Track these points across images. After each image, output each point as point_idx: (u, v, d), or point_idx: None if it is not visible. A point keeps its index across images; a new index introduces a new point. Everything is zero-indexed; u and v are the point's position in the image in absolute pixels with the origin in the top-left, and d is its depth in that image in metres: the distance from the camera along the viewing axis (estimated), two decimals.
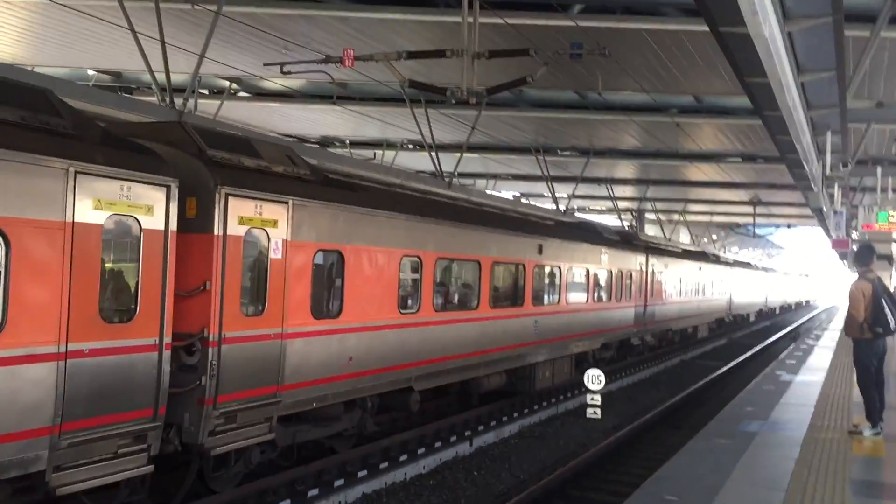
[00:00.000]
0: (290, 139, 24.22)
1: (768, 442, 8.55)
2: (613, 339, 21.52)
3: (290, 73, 12.86)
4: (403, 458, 12.81)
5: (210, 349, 8.45)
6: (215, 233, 8.52)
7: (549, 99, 21.71)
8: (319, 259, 10.26)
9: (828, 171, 12.72)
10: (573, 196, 36.80)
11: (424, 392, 14.22)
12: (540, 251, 16.48)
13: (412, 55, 12.02)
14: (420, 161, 28.92)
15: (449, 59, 12.07)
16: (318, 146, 26.68)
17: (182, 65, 19.05)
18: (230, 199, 8.68)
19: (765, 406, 10.94)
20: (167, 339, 7.92)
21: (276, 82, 20.63)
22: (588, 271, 19.30)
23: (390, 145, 27.54)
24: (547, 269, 17.14)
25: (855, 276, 9.94)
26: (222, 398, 8.63)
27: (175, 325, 8.24)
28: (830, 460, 7.81)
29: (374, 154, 28.20)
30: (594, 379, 17.23)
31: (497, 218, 15.19)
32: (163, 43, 13.28)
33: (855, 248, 13.56)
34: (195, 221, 8.51)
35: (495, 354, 14.84)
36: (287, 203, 9.50)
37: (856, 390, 10.65)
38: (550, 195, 28.47)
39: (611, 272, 21.02)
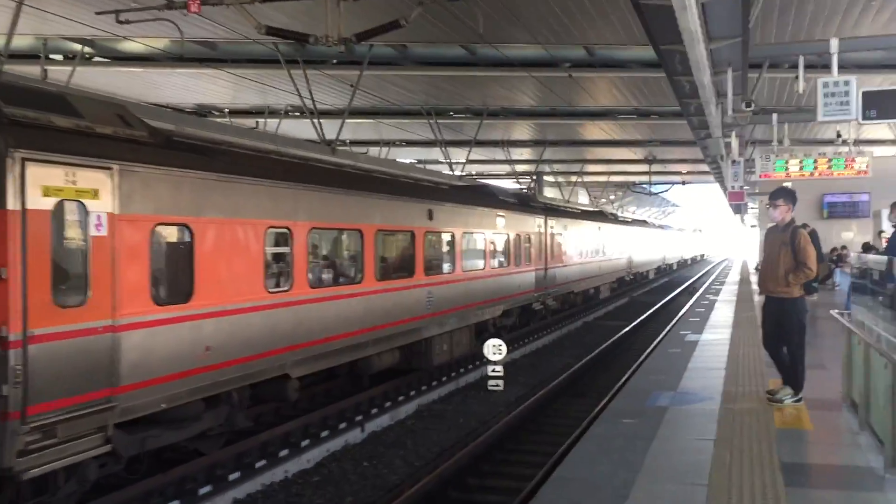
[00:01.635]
0: (164, 109, 22.10)
1: (681, 419, 7.40)
2: (514, 306, 20.42)
3: (126, 21, 11.01)
4: (284, 452, 11.34)
5: (11, 351, 6.75)
6: (9, 207, 6.79)
7: (436, 56, 20.20)
8: (161, 235, 8.60)
9: (729, 112, 11.74)
10: (469, 161, 35.67)
11: (308, 378, 12.75)
12: (430, 217, 15.11)
13: None
14: (307, 130, 27.09)
15: (312, 3, 10.46)
16: (192, 115, 24.56)
17: (23, 25, 16.82)
18: (28, 165, 6.95)
19: (672, 373, 9.87)
20: None
21: (138, 42, 18.53)
22: (484, 236, 18.05)
23: (273, 113, 25.59)
24: (439, 236, 15.78)
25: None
26: (34, 409, 6.96)
27: None
28: (753, 439, 6.71)
29: (257, 123, 26.22)
30: (494, 349, 16.11)
31: (380, 183, 13.71)
32: None
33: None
34: None
35: (385, 331, 13.43)
36: (111, 169, 7.80)
37: (763, 350, 9.76)
38: (446, 160, 27.08)
39: (508, 236, 19.85)
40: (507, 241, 19.80)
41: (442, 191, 16.39)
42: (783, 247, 8.22)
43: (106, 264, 7.71)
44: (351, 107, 25.64)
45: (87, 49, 18.90)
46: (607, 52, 20.23)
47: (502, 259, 19.39)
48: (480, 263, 17.87)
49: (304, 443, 11.79)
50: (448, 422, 13.95)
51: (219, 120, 24.86)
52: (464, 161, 30.40)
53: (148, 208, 8.26)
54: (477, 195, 18.59)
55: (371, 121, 27.92)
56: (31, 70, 18.01)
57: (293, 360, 10.83)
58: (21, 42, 18.49)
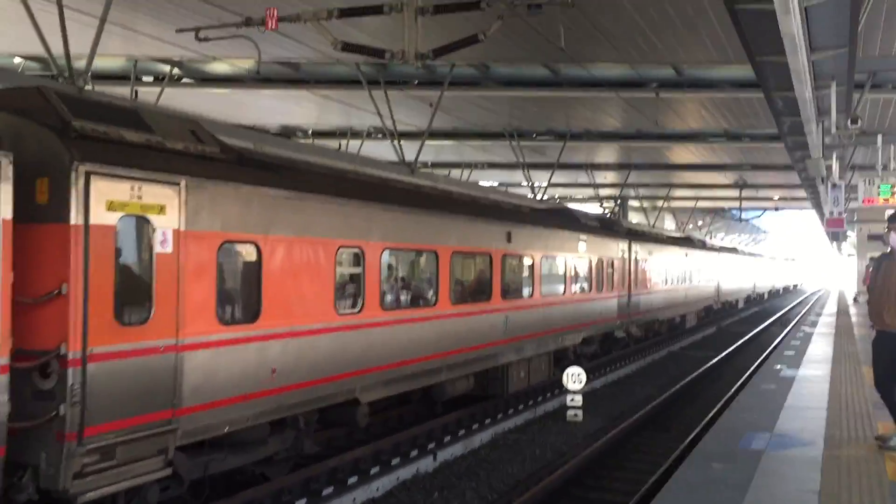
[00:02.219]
0: (241, 128, 22.29)
1: (778, 466, 6.65)
2: (595, 333, 19.70)
3: (206, 38, 10.95)
4: (353, 480, 10.96)
5: (70, 370, 6.56)
6: (72, 221, 6.62)
7: (518, 76, 19.80)
8: (227, 252, 8.37)
9: (833, 130, 10.88)
10: (551, 184, 35.04)
11: (379, 403, 12.39)
12: (509, 239, 14.62)
13: (344, 13, 10.12)
14: (389, 152, 27.02)
15: (388, 17, 10.19)
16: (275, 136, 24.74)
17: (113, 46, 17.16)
18: (94, 178, 6.79)
19: (767, 412, 9.07)
20: (1, 360, 6.03)
21: (223, 63, 18.72)
22: (565, 260, 17.45)
23: (355, 134, 25.59)
24: (518, 260, 15.28)
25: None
26: (91, 430, 6.75)
27: (22, 341, 6.37)
28: (864, 492, 5.95)
29: (340, 145, 26.26)
30: (574, 377, 15.49)
31: (457, 203, 13.31)
32: (61, 11, 11.34)
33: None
34: (46, 208, 6.63)
35: (459, 356, 12.98)
36: (178, 184, 7.61)
37: (872, 391, 8.88)
38: (527, 183, 26.55)
39: (590, 260, 19.19)
40: (589, 266, 19.14)
41: (521, 213, 15.89)
42: None
43: (171, 281, 7.49)
44: (432, 128, 25.57)
45: (175, 70, 19.20)
46: (697, 71, 19.48)
47: (583, 284, 18.73)
48: (560, 288, 17.27)
49: (374, 470, 11.39)
50: (523, 453, 13.37)
51: (301, 141, 24.99)
52: (546, 185, 29.86)
53: (215, 225, 8.04)
54: (558, 218, 18.02)
55: (452, 143, 27.67)
56: (122, 91, 18.33)
57: (363, 385, 10.47)
58: (112, 63, 18.91)
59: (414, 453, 12.37)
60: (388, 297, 11.24)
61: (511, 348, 14.85)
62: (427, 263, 12.28)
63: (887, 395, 7.62)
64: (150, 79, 19.81)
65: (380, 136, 25.98)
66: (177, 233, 7.57)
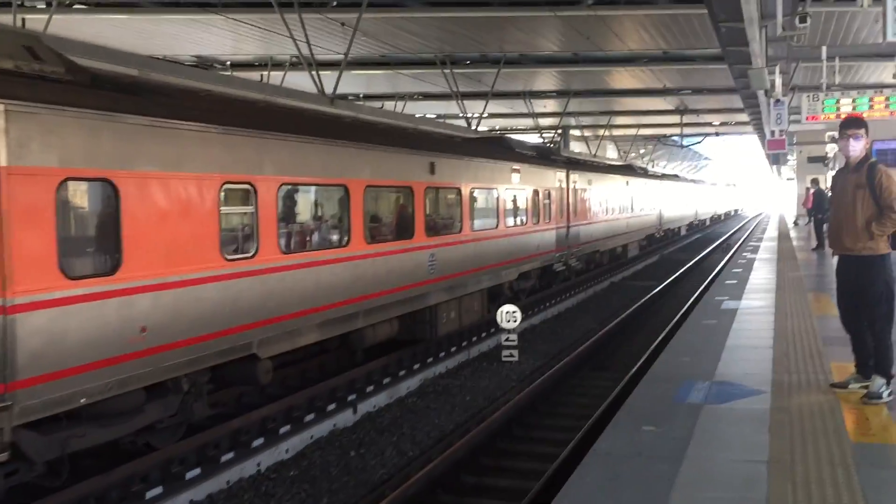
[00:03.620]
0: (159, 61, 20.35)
1: (719, 425, 5.47)
2: (532, 268, 18.61)
3: None
4: (258, 442, 9.76)
5: None
6: None
7: None
8: (71, 192, 6.92)
9: (779, 31, 9.65)
10: (491, 115, 33.64)
11: (292, 355, 11.15)
12: (432, 171, 13.29)
13: None
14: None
15: None
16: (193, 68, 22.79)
17: None
18: None
19: (707, 353, 7.98)
20: None
21: None
22: (496, 192, 16.20)
23: (277, 65, 23.76)
24: (443, 193, 13.98)
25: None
26: None
27: None
28: (822, 459, 4.86)
29: (262, 77, 24.41)
30: (508, 316, 14.41)
31: (370, 132, 11.89)
32: None
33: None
34: None
35: (378, 300, 11.74)
36: None
37: (829, 323, 7.88)
38: (462, 113, 25.09)
39: (525, 192, 17.98)
40: (524, 198, 17.94)
41: (446, 142, 14.55)
42: (858, 190, 6.24)
43: None
44: (361, 57, 23.87)
45: None
46: None
47: (518, 217, 17.55)
48: (493, 222, 16.05)
49: (284, 429, 10.20)
50: (453, 399, 12.31)
51: (218, 73, 23.10)
52: (480, 115, 28.45)
53: (51, 159, 6.57)
54: (489, 148, 16.70)
55: (384, 72, 26.02)
56: (5, 19, 16.36)
57: (261, 338, 9.18)
58: None
59: (331, 407, 11.21)
60: (289, 239, 9.88)
61: (438, 288, 13.66)
62: (336, 199, 10.91)
63: (854, 328, 6.53)
64: (42, 5, 17.85)
65: (302, 66, 24.21)
66: None
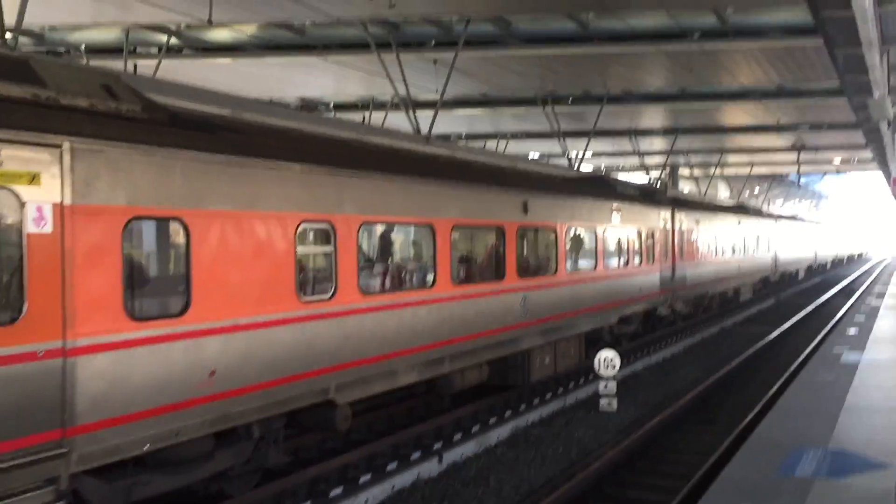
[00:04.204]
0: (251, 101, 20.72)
1: None
2: (634, 311, 17.71)
3: None
4: (337, 492, 9.34)
5: None
6: None
7: (543, 31, 17.80)
8: (139, 231, 6.75)
9: None
10: (593, 153, 32.87)
11: (375, 400, 10.76)
12: (525, 210, 12.76)
13: None
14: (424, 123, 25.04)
15: None
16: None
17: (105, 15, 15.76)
18: None
19: (822, 416, 7.04)
20: None
21: (226, 28, 17.13)
22: (595, 232, 15.49)
23: (378, 105, 23.83)
24: (537, 233, 13.41)
25: None
26: None
27: None
28: None
29: (363, 117, 24.55)
30: (606, 362, 13.65)
31: (457, 169, 11.48)
32: None
33: None
34: None
35: (466, 343, 11.22)
36: (60, 147, 5.98)
37: None
38: (564, 153, 24.47)
39: (626, 232, 17.18)
40: (625, 238, 17.14)
41: (541, 180, 13.98)
42: None
43: (52, 270, 5.89)
44: (461, 96, 23.70)
45: (172, 40, 17.70)
46: (742, 17, 17.24)
47: (618, 258, 16.75)
48: (590, 263, 15.33)
49: (364, 478, 9.75)
50: (545, 450, 11.59)
51: (322, 115, 23.34)
52: (582, 153, 27.73)
53: (118, 198, 6.41)
54: (587, 186, 16.05)
55: (484, 112, 25.76)
56: (117, 65, 16.92)
57: (338, 383, 8.79)
58: (106, 35, 17.52)
59: (416, 455, 10.70)
60: (370, 280, 9.52)
61: (531, 332, 13.03)
62: (421, 239, 10.52)
63: None
64: (154, 51, 18.39)
65: (420, 107, 24.13)
66: (59, 207, 5.95)
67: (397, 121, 25.04)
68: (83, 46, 17.57)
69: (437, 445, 11.14)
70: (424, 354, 10.24)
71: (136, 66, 17.83)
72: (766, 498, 4.92)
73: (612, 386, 13.77)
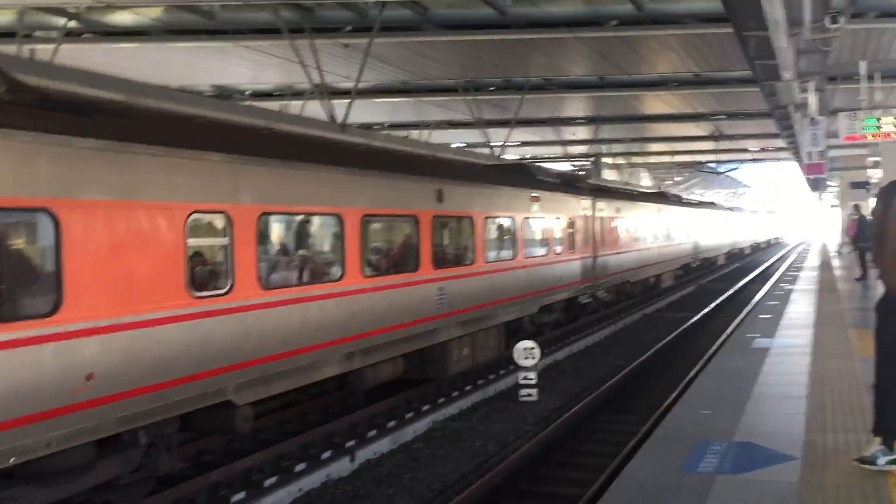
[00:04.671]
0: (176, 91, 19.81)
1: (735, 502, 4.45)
2: (555, 300, 17.53)
3: None
4: (239, 497, 8.81)
5: None
6: None
7: (461, 17, 17.41)
8: None
9: (807, 36, 8.62)
10: (518, 142, 32.77)
11: (284, 398, 10.24)
12: (440, 199, 12.37)
13: None
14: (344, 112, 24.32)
15: None
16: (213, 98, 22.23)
17: None
18: None
19: (730, 403, 6.83)
20: None
21: (128, 13, 16.24)
22: (513, 221, 15.21)
23: (296, 94, 23.13)
24: (453, 222, 13.04)
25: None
26: None
27: None
28: None
29: (281, 107, 23.81)
30: (526, 353, 13.43)
31: (369, 157, 11.01)
32: None
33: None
34: None
35: (379, 337, 10.79)
36: None
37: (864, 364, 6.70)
38: (486, 143, 24.15)
39: (546, 221, 16.96)
40: (546, 227, 16.92)
41: (456, 168, 13.62)
42: None
43: None
44: (380, 84, 23.18)
45: (72, 24, 16.72)
46: (659, 5, 17.16)
47: (538, 247, 16.52)
48: (509, 253, 15.05)
49: (269, 481, 9.24)
50: (463, 444, 11.26)
51: (235, 102, 22.51)
52: (504, 143, 27.52)
53: None
54: (505, 174, 15.75)
55: (405, 100, 25.28)
56: (12, 50, 15.89)
57: (238, 382, 8.26)
58: (3, 18, 16.45)
59: (326, 455, 10.23)
60: (271, 273, 8.99)
61: (449, 323, 12.67)
62: (328, 230, 10.03)
63: (888, 382, 5.39)
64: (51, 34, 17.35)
65: (337, 95, 23.50)
66: None
67: (316, 110, 24.43)
68: None
69: (350, 444, 10.70)
70: (333, 350, 9.77)
71: (32, 52, 16.86)
72: (667, 499, 4.61)
73: (533, 376, 13.54)
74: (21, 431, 6.06)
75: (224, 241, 8.13)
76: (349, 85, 20.61)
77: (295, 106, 23.45)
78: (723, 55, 19.97)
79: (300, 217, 9.56)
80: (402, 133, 29.92)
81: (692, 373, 13.45)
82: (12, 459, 6.03)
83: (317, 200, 9.50)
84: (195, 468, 9.33)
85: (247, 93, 23.80)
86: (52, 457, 6.46)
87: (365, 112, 27.34)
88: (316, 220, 9.87)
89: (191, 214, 7.66)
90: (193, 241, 7.73)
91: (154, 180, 7.27)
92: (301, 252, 9.80)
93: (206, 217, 7.97)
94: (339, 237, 9.94)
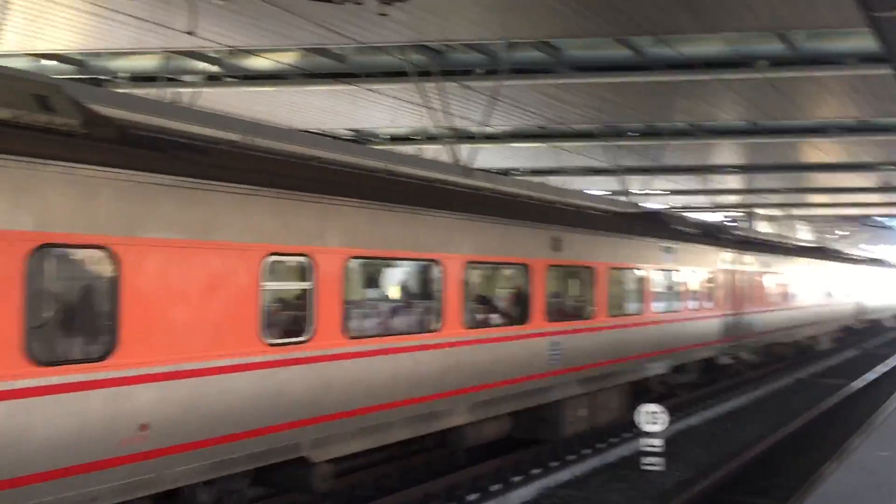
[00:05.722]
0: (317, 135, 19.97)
1: None
2: (688, 360, 16.00)
3: None
4: None
5: None
6: None
7: (597, 59, 16.55)
8: (50, 261, 5.73)
9: None
10: (671, 191, 31.16)
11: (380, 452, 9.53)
12: (557, 247, 11.41)
13: None
14: (481, 157, 23.71)
15: None
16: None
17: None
18: None
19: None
20: None
21: (265, 58, 16.47)
22: (642, 273, 13.98)
23: (430, 138, 22.86)
24: (570, 272, 12.03)
25: None
26: None
27: None
28: None
29: (421, 150, 23.63)
30: (650, 417, 12.09)
31: (472, 200, 10.25)
32: None
33: None
34: None
35: (481, 393, 9.90)
36: None
37: None
38: (623, 188, 22.91)
39: (681, 274, 15.57)
40: (679, 281, 15.54)
41: (578, 214, 12.62)
42: None
43: None
44: (512, 129, 22.57)
45: (214, 68, 17.14)
46: (815, 44, 15.64)
47: (669, 302, 15.15)
48: (635, 307, 13.81)
49: None
50: None
51: (374, 147, 22.48)
52: (645, 191, 26.11)
53: (20, 221, 5.42)
54: (633, 223, 14.57)
55: (540, 146, 24.50)
56: (159, 94, 16.41)
57: (314, 438, 7.60)
58: (147, 63, 17.06)
59: None
60: (357, 321, 8.33)
61: (564, 381, 11.61)
62: (426, 276, 9.30)
63: None
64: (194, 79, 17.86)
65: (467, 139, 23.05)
66: None
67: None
68: (123, 74, 17.15)
69: None
70: (426, 405, 8.96)
71: (178, 95, 17.38)
72: None
73: (658, 442, 12.19)
74: (62, 483, 5.60)
75: (306, 285, 7.55)
76: (484, 130, 20.14)
77: (430, 150, 23.20)
78: (889, 98, 18.03)
79: (393, 262, 8.90)
80: (538, 180, 29.15)
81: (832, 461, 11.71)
82: None
83: (412, 244, 8.81)
84: None
85: (383, 137, 23.78)
86: None
87: (501, 157, 26.82)
88: (411, 266, 9.17)
89: (267, 256, 7.13)
90: (270, 285, 7.19)
91: (228, 219, 6.80)
92: (393, 300, 9.11)
93: (286, 259, 7.42)
94: (438, 285, 9.19)
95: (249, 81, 17.50)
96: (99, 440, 5.82)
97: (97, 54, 16.53)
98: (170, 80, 16.63)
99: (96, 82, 16.98)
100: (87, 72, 17.00)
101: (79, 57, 16.66)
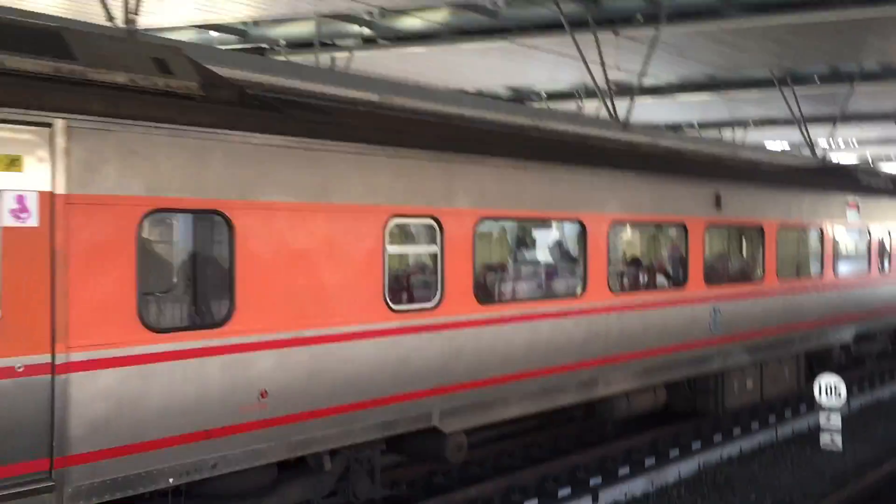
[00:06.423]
0: (472, 95, 19.53)
1: None
2: (877, 328, 14.35)
3: None
4: None
5: None
6: None
7: None
8: (162, 226, 5.63)
9: None
10: (859, 142, 28.30)
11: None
12: (718, 204, 10.37)
13: None
14: (645, 112, 22.39)
15: None
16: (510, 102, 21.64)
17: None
18: None
19: None
20: None
21: (416, 17, 16.18)
22: (820, 232, 12.56)
23: (589, 94, 21.77)
24: (734, 231, 10.93)
25: None
26: None
27: None
28: None
29: (578, 106, 22.67)
30: (827, 389, 10.94)
31: (622, 154, 9.41)
32: None
33: None
34: None
35: (632, 363, 9.18)
36: (50, 126, 4.98)
37: None
38: (806, 141, 20.78)
39: (869, 232, 13.92)
40: (865, 240, 13.89)
41: (743, 168, 11.43)
42: None
43: (35, 269, 4.90)
44: (678, 80, 21.14)
45: (366, 31, 17.03)
46: None
47: (854, 264, 13.58)
48: (813, 269, 12.44)
49: None
50: (734, 497, 9.23)
51: (534, 105, 21.73)
52: (830, 142, 23.73)
53: (133, 187, 5.32)
54: (809, 176, 13.10)
55: (712, 98, 22.78)
56: (311, 59, 16.50)
57: (444, 408, 7.23)
58: (302, 29, 17.16)
59: (565, 492, 8.84)
60: (490, 286, 7.84)
61: (726, 350, 10.62)
62: (565, 237, 8.65)
63: None
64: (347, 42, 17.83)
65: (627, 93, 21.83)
66: (48, 197, 4.95)
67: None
68: (282, 41, 17.40)
69: (595, 481, 9.23)
70: (568, 375, 8.37)
71: (333, 59, 17.44)
72: None
73: (836, 419, 10.99)
74: (181, 450, 5.53)
75: (433, 248, 7.14)
76: (648, 81, 18.93)
77: (591, 107, 22.16)
78: None
79: (528, 223, 8.30)
80: (712, 133, 27.30)
81: None
82: (171, 480, 5.52)
83: (550, 204, 8.17)
84: (414, 494, 8.48)
85: (542, 94, 22.97)
86: (223, 479, 5.89)
87: (669, 111, 25.30)
88: (549, 227, 8.54)
89: (391, 218, 6.76)
90: (394, 249, 6.83)
91: (347, 181, 6.47)
92: (530, 263, 8.53)
93: (411, 221, 7.02)
94: (580, 246, 8.51)
95: (401, 42, 17.25)
96: (217, 407, 5.71)
97: (256, 23, 16.82)
98: (324, 45, 16.66)
99: (259, 51, 17.33)
100: (249, 41, 17.36)
101: (241, 27, 17.02)
